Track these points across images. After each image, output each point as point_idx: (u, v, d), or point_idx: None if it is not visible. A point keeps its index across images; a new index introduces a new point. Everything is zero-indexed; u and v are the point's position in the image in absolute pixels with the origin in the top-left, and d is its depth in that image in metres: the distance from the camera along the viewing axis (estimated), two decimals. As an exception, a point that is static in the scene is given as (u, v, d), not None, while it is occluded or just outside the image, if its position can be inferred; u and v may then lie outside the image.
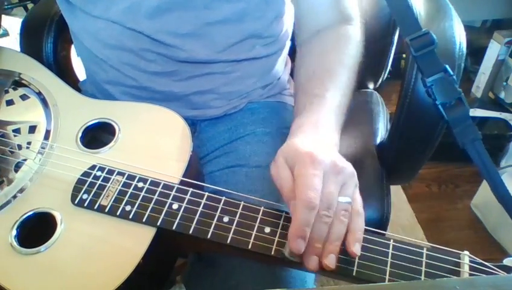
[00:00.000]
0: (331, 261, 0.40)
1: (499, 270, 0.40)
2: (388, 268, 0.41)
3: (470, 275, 0.41)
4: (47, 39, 0.80)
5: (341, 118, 0.53)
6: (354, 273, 0.42)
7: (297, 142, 0.46)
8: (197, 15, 0.60)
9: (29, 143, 0.57)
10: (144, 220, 0.47)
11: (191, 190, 0.48)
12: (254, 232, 0.45)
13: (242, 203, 0.47)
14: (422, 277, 0.41)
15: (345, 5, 0.64)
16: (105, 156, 0.54)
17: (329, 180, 0.42)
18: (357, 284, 0.42)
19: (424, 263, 0.42)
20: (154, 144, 0.55)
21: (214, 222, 0.46)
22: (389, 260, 0.42)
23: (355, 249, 0.41)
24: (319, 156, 0.43)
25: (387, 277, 0.41)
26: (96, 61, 0.67)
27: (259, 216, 0.46)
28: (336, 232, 0.41)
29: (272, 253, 0.43)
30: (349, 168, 0.45)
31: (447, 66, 0.50)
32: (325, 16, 0.63)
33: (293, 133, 0.50)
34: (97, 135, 0.59)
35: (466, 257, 0.42)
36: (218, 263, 0.54)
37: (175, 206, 0.47)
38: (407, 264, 0.41)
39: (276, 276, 0.52)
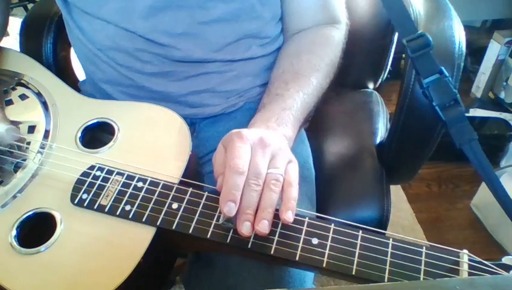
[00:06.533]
0: (262, 226, 0.42)
1: (498, 268, 0.40)
2: (388, 267, 0.41)
3: (469, 273, 0.41)
4: (47, 39, 0.80)
5: (301, 116, 0.56)
6: (353, 272, 0.42)
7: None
8: (191, 14, 0.60)
9: (28, 143, 0.57)
10: (143, 219, 0.47)
11: (190, 189, 0.48)
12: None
13: None
14: (422, 276, 0.41)
15: (333, 7, 0.65)
16: (105, 156, 0.54)
17: (257, 153, 0.46)
18: (357, 283, 0.42)
19: (423, 262, 0.42)
20: (153, 144, 0.55)
21: (214, 221, 0.46)
22: (389, 259, 0.42)
23: (287, 216, 0.43)
24: (245, 132, 0.47)
25: (386, 276, 0.41)
26: (93, 62, 0.67)
27: (259, 215, 0.46)
28: (266, 199, 0.44)
29: (272, 252, 0.43)
30: (277, 143, 0.48)
31: (443, 68, 0.50)
32: (311, 17, 0.64)
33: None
34: (96, 135, 0.59)
35: (465, 256, 0.42)
36: (216, 263, 0.54)
37: (175, 206, 0.47)
38: (407, 263, 0.41)
39: (275, 276, 0.51)
